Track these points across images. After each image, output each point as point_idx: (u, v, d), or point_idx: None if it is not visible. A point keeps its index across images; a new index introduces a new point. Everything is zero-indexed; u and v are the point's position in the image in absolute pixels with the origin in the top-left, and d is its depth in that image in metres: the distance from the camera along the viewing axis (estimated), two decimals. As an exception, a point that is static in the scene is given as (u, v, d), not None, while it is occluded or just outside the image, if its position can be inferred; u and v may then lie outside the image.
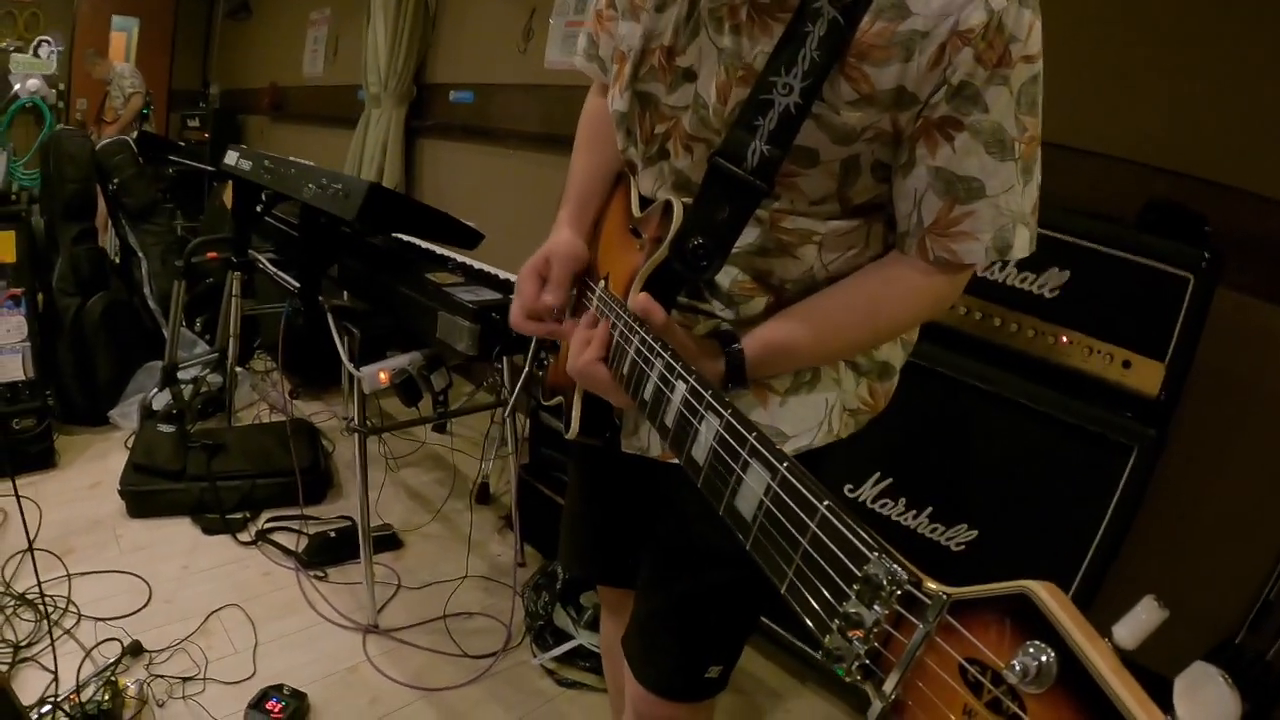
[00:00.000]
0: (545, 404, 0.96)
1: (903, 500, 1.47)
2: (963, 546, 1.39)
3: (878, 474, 1.50)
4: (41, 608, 1.59)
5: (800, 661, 1.69)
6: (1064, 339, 1.29)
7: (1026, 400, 1.30)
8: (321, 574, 1.91)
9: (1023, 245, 0.68)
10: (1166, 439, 1.22)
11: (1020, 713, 0.29)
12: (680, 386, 0.58)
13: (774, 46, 0.65)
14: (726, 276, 0.78)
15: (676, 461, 0.80)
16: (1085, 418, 1.25)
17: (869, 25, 0.62)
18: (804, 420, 0.79)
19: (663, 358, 0.62)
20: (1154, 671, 0.28)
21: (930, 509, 1.43)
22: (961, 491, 1.40)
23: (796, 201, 0.72)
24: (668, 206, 0.72)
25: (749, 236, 0.75)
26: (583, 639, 1.68)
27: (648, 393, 0.64)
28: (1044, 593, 0.30)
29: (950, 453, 1.43)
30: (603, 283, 0.80)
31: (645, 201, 0.82)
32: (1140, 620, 0.30)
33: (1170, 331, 1.18)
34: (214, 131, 4.95)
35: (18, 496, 1.34)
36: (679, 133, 0.76)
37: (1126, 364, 1.23)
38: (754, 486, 0.46)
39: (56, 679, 1.40)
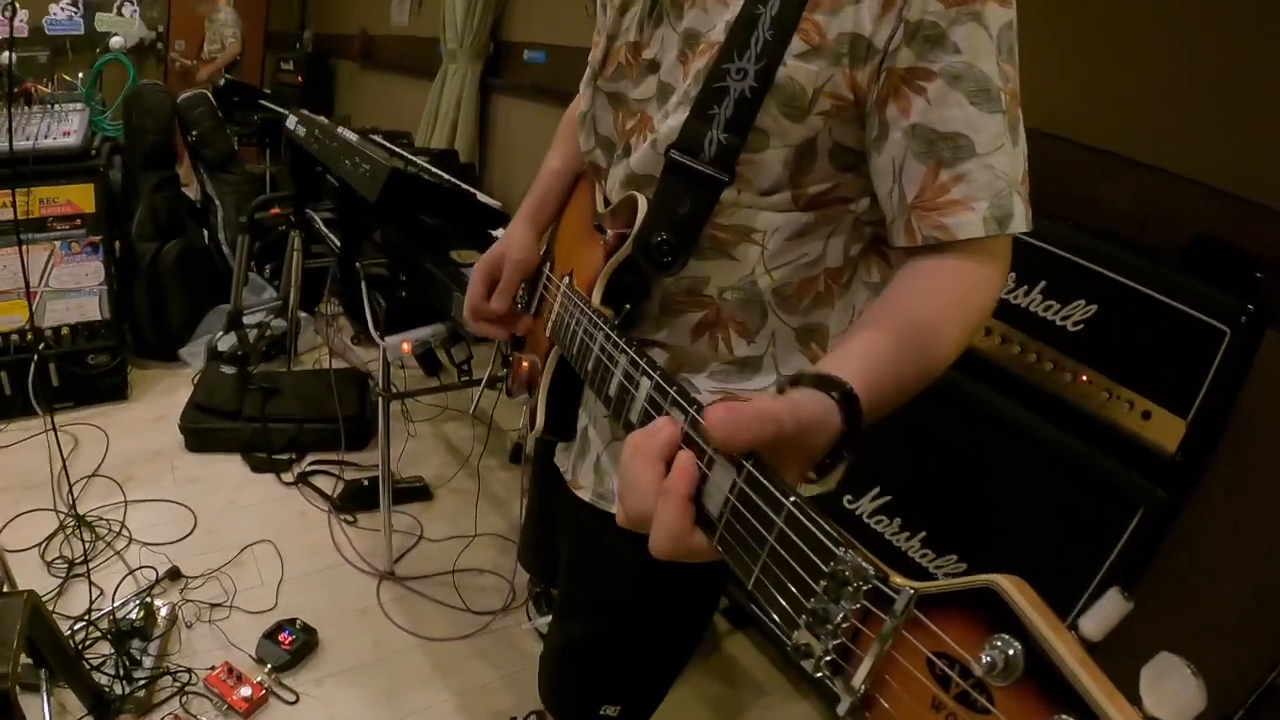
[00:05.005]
0: (512, 398, 0.97)
1: (898, 520, 1.43)
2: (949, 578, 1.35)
3: (877, 489, 1.46)
4: (101, 529, 1.79)
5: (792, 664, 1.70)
6: (1083, 377, 1.19)
7: (1037, 437, 1.23)
8: (351, 519, 2.04)
9: (1021, 218, 0.59)
10: (1183, 503, 1.13)
11: (989, 705, 0.29)
12: (645, 383, 0.57)
13: (730, 26, 0.63)
14: (657, 288, 0.74)
15: (587, 499, 0.83)
16: (1094, 466, 1.17)
17: None
18: None
19: (627, 353, 0.61)
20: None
21: (924, 534, 1.40)
22: (958, 521, 1.36)
23: (743, 191, 0.67)
24: (632, 203, 0.70)
25: None
26: (578, 610, 1.74)
27: (612, 389, 0.63)
28: (1010, 586, 0.30)
29: (953, 479, 1.38)
30: (567, 279, 0.80)
31: (610, 202, 0.81)
32: (1105, 612, 0.30)
33: (1198, 387, 1.06)
34: (307, 75, 5.14)
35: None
36: (644, 127, 0.73)
37: (1146, 414, 1.12)
38: (720, 483, 0.45)
39: (107, 595, 1.58)
